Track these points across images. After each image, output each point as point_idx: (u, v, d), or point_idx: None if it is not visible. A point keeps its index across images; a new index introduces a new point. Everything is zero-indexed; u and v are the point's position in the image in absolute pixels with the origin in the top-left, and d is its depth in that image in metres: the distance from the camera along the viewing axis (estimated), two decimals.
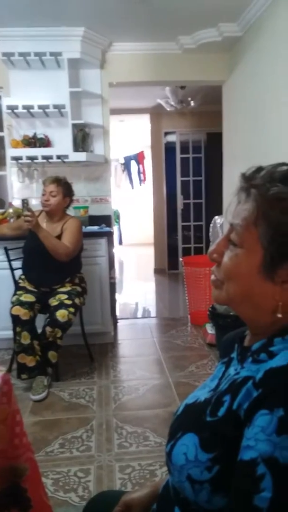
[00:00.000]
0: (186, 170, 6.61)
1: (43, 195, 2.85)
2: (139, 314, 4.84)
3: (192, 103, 5.19)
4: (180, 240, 6.74)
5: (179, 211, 6.69)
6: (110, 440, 2.10)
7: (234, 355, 0.73)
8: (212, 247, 0.71)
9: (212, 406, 0.65)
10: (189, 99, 5.16)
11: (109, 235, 3.60)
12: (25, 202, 2.67)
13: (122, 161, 9.87)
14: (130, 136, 8.45)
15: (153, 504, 0.79)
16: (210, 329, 3.35)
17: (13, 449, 1.10)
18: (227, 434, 0.59)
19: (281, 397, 0.53)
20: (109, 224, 3.86)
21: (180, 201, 6.67)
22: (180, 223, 6.71)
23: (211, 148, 6.29)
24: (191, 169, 6.60)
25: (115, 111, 4.92)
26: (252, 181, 0.66)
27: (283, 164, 0.67)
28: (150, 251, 7.28)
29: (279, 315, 0.63)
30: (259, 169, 0.68)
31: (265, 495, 0.50)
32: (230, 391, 0.63)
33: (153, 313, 4.78)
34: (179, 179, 6.64)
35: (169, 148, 6.63)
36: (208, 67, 3.84)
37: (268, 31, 2.92)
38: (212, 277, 0.72)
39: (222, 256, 0.69)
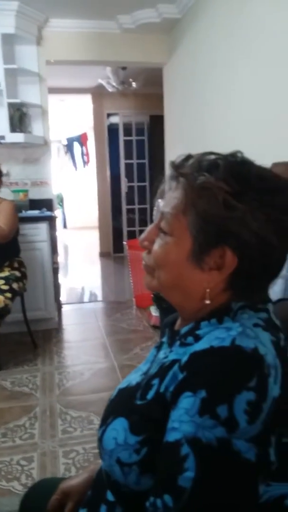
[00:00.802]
0: (130, 153, 6.57)
1: None
2: (85, 299, 4.81)
3: (134, 84, 5.14)
4: (125, 223, 6.74)
5: (123, 194, 6.67)
6: (54, 427, 2.10)
7: (164, 339, 0.74)
8: (143, 235, 0.72)
9: (142, 390, 0.66)
10: (131, 80, 5.11)
11: (51, 219, 3.52)
12: None
13: (65, 142, 9.63)
14: (72, 116, 8.24)
15: (89, 488, 0.79)
16: (154, 311, 3.41)
17: None
18: (155, 417, 0.60)
19: (204, 379, 0.55)
20: (50, 208, 3.77)
21: (124, 184, 6.64)
22: (124, 206, 6.69)
23: (154, 130, 6.29)
24: (134, 151, 6.57)
25: (54, 90, 4.77)
26: (180, 169, 0.66)
27: (211, 153, 0.68)
28: (95, 235, 7.23)
29: (207, 302, 0.65)
30: (188, 157, 0.68)
31: (188, 475, 0.52)
32: (159, 375, 0.64)
33: (99, 297, 4.78)
34: (122, 161, 6.59)
35: (112, 130, 6.56)
36: (148, 49, 3.80)
37: (206, 14, 2.94)
38: (143, 263, 0.72)
39: (153, 243, 0.69)
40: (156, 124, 6.03)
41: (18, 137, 3.49)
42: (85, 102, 6.67)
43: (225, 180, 0.61)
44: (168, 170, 0.69)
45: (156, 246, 0.68)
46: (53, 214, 3.66)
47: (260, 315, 0.64)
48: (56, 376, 2.65)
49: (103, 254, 6.86)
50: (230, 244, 0.61)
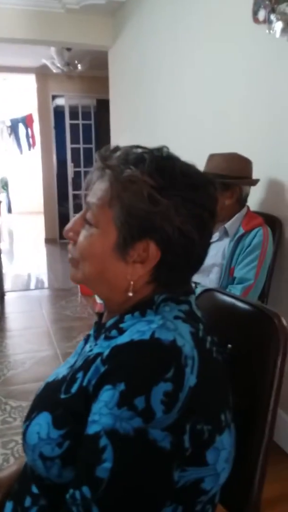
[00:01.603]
0: (76, 137, 6.44)
1: None
2: (32, 286, 4.71)
3: (79, 66, 5.01)
4: (71, 209, 6.63)
5: (69, 179, 6.54)
6: None
7: (91, 331, 0.75)
8: (68, 225, 0.71)
9: (66, 384, 0.66)
10: (76, 62, 4.98)
11: None
12: None
13: (9, 123, 9.25)
14: (16, 96, 7.93)
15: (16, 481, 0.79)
16: (99, 299, 3.40)
17: None
18: (77, 410, 0.61)
19: (123, 372, 0.56)
20: None
21: (70, 169, 6.51)
22: (71, 192, 6.58)
23: (101, 115, 6.19)
24: (81, 135, 6.44)
25: None
26: (107, 161, 0.66)
27: (138, 146, 0.68)
28: (41, 220, 7.06)
29: (131, 294, 0.66)
30: (116, 148, 0.68)
31: (106, 466, 0.53)
32: (83, 368, 0.65)
33: (45, 284, 4.70)
34: (69, 146, 6.45)
35: (59, 113, 6.38)
36: (93, 31, 3.72)
37: None
38: (69, 255, 0.72)
39: (78, 234, 0.69)
40: (103, 108, 5.94)
41: None
42: (29, 82, 6.43)
43: (151, 174, 0.62)
44: (95, 161, 0.69)
45: (81, 237, 0.68)
46: None
47: (182, 307, 0.66)
48: None
49: (48, 241, 6.72)
50: (154, 238, 0.63)
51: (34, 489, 0.67)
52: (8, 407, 2.15)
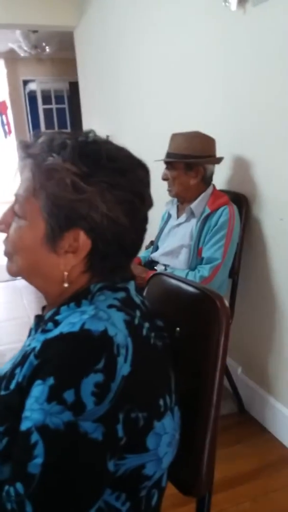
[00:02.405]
0: (51, 122, 6.33)
1: None
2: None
3: (47, 49, 4.88)
4: None
5: None
6: None
7: (32, 325, 0.74)
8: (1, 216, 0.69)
9: (6, 380, 0.65)
10: (44, 44, 4.85)
11: None
12: None
13: None
14: None
15: None
16: None
17: None
18: (15, 407, 0.60)
19: (52, 366, 0.55)
20: None
21: None
22: None
23: (75, 98, 6.07)
24: (55, 121, 6.33)
25: None
26: (29, 149, 0.64)
27: (63, 132, 0.66)
28: None
29: (66, 285, 0.65)
30: (39, 136, 0.66)
31: (37, 461, 0.53)
32: (20, 363, 0.64)
33: None
34: (43, 131, 6.34)
35: (32, 98, 6.26)
36: (57, 11, 3.61)
37: None
38: (4, 248, 0.70)
39: (9, 227, 0.68)
40: (76, 91, 5.82)
41: None
42: (0, 68, 6.27)
43: (73, 161, 0.60)
44: (17, 150, 0.67)
45: (11, 231, 0.67)
46: None
47: (118, 295, 0.65)
48: None
49: None
50: (82, 227, 0.61)
51: None
52: None
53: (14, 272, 0.69)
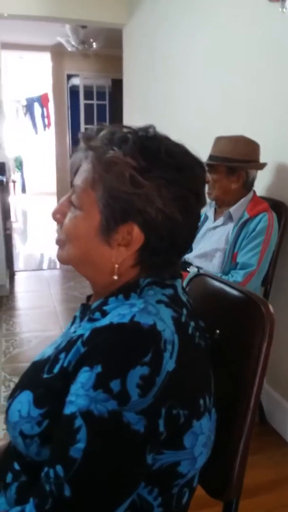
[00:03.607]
0: (91, 117, 6.40)
1: None
2: (44, 266, 4.75)
3: (94, 45, 4.93)
4: None
5: None
6: None
7: (77, 313, 0.75)
8: (55, 207, 0.71)
9: (50, 364, 0.67)
10: (91, 40, 4.90)
11: (3, 184, 3.41)
12: None
13: (24, 102, 9.21)
14: (32, 75, 7.87)
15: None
16: None
17: None
18: (57, 390, 0.61)
19: (100, 354, 0.56)
20: (2, 173, 3.64)
21: None
22: None
23: (116, 95, 6.11)
24: (95, 116, 6.40)
25: (10, 46, 4.52)
26: (91, 142, 0.65)
27: (123, 126, 0.67)
28: (54, 201, 7.07)
29: (115, 277, 0.66)
30: (100, 129, 0.67)
31: (79, 446, 0.54)
32: (66, 349, 0.65)
33: (56, 265, 4.73)
34: (83, 126, 6.41)
35: (74, 93, 6.34)
36: (108, 8, 3.65)
37: None
38: (56, 236, 0.72)
39: (65, 216, 0.69)
40: (118, 88, 5.86)
41: None
42: (45, 61, 6.37)
43: (133, 155, 0.61)
44: (80, 142, 0.68)
45: (66, 220, 0.68)
46: (4, 179, 3.55)
47: (166, 292, 0.65)
48: (3, 343, 2.64)
49: None
50: (137, 221, 0.62)
51: (16, 466, 0.69)
52: (12, 384, 2.19)
53: (64, 259, 0.70)
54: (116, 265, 0.66)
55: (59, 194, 6.75)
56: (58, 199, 6.35)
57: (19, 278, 4.00)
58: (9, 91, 4.04)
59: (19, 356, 2.48)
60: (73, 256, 0.68)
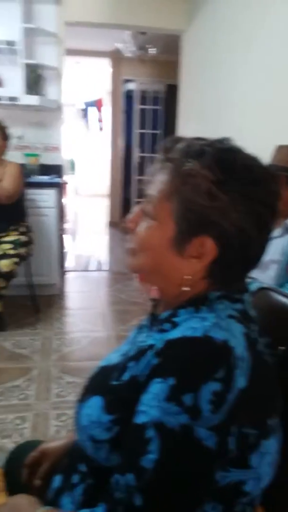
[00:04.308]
0: (144, 122, 6.46)
1: None
2: (90, 267, 4.86)
3: (152, 50, 4.98)
4: (134, 194, 6.70)
5: (134, 164, 6.60)
6: (48, 390, 2.18)
7: (145, 322, 0.77)
8: (129, 216, 0.73)
9: (118, 371, 0.68)
10: (150, 46, 4.95)
11: (60, 186, 3.52)
12: None
13: (82, 106, 9.46)
14: (89, 80, 8.07)
15: (65, 455, 0.84)
16: None
17: None
18: (127, 398, 0.63)
19: (174, 367, 0.57)
20: (60, 175, 3.76)
21: (136, 153, 6.56)
22: (135, 177, 6.64)
23: (171, 100, 6.14)
24: (149, 121, 6.45)
25: (71, 52, 4.64)
26: (169, 153, 0.66)
27: (200, 138, 0.68)
28: (105, 203, 7.21)
29: (186, 289, 0.67)
30: (178, 140, 0.68)
31: (151, 457, 0.55)
32: (135, 358, 0.66)
33: (104, 266, 4.82)
34: (136, 130, 6.49)
35: (129, 97, 6.43)
36: (168, 14, 3.68)
37: None
38: (128, 244, 0.73)
39: (138, 225, 0.70)
40: (173, 94, 5.88)
41: (33, 100, 3.46)
42: (102, 66, 6.51)
43: (210, 168, 0.61)
44: (157, 153, 0.69)
45: (140, 229, 0.69)
46: (62, 181, 3.65)
47: (236, 306, 0.65)
48: (54, 341, 2.72)
49: (111, 224, 6.86)
50: (211, 234, 0.62)
51: (83, 468, 0.71)
52: (63, 381, 2.26)
53: (135, 268, 0.72)
54: (187, 277, 0.66)
55: (111, 196, 6.87)
56: (110, 201, 6.51)
57: (70, 277, 4.10)
58: (66, 95, 4.16)
59: (70, 355, 2.55)
60: (144, 265, 0.70)
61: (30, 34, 3.45)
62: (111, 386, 0.67)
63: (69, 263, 4.50)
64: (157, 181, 0.67)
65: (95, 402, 0.67)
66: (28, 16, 3.39)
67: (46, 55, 3.58)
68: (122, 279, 4.08)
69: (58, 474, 0.79)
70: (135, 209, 0.73)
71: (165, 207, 0.65)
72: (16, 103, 3.43)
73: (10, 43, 3.30)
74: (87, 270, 4.63)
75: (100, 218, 7.30)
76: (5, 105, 3.48)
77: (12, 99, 3.40)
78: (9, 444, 1.76)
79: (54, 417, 1.96)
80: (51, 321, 3.03)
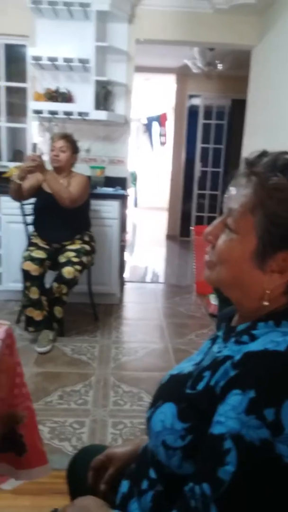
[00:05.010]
0: (207, 137, 6.47)
1: (52, 150, 2.87)
2: (147, 279, 4.90)
3: (219, 66, 5.00)
4: (194, 208, 6.70)
5: (196, 178, 6.62)
6: (106, 397, 2.21)
7: (220, 333, 0.76)
8: (208, 228, 0.73)
9: (193, 380, 0.69)
10: (217, 62, 4.98)
11: (123, 198, 3.60)
12: (35, 145, 2.73)
13: (145, 121, 9.67)
14: (154, 96, 8.23)
15: (131, 461, 0.85)
16: (213, 300, 3.40)
17: (12, 398, 1.18)
18: (202, 408, 0.63)
19: (254, 380, 0.56)
20: (124, 187, 3.85)
21: (198, 168, 6.57)
22: (196, 191, 6.65)
23: (235, 115, 6.12)
24: (212, 135, 6.46)
25: (139, 69, 4.77)
26: (253, 167, 0.66)
27: (285, 152, 0.67)
28: (164, 216, 7.27)
29: (266, 303, 0.66)
30: (263, 154, 0.68)
31: (229, 469, 0.54)
32: (211, 368, 0.66)
33: (160, 279, 4.84)
34: (199, 145, 6.51)
35: (192, 112, 6.48)
36: (239, 30, 3.68)
37: None
38: (206, 257, 0.74)
39: (217, 238, 0.71)
40: (238, 109, 5.85)
41: (101, 115, 3.58)
42: (169, 82, 6.63)
43: None
44: (241, 166, 0.70)
45: (220, 242, 0.69)
46: (126, 193, 3.74)
47: None
48: (112, 349, 2.76)
49: (169, 237, 6.89)
50: None
51: (152, 474, 0.71)
52: (120, 390, 2.28)
53: (213, 281, 0.72)
54: (268, 291, 0.66)
55: (170, 209, 6.92)
56: (170, 213, 6.53)
57: (127, 288, 4.16)
58: (132, 111, 4.30)
59: (127, 365, 2.57)
60: (223, 278, 0.70)
61: (102, 52, 3.59)
62: (185, 395, 0.68)
63: (127, 274, 4.57)
64: (239, 194, 0.67)
65: (168, 409, 0.68)
66: (101, 34, 3.53)
67: (116, 72, 3.70)
68: (180, 292, 4.08)
69: (125, 479, 0.80)
70: (214, 222, 0.73)
71: (248, 220, 0.65)
72: (85, 118, 3.57)
73: (82, 61, 3.45)
74: (144, 282, 4.67)
75: (158, 231, 7.36)
76: (76, 120, 3.63)
77: (82, 114, 3.54)
78: (68, 447, 1.80)
79: (111, 424, 1.98)
80: (110, 329, 3.08)
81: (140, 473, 0.75)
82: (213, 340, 0.78)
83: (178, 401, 0.68)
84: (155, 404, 0.72)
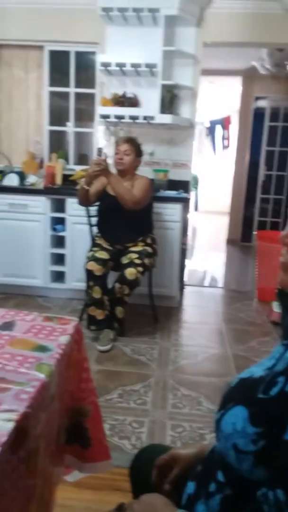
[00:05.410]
0: (273, 139, 6.30)
1: (117, 154, 2.93)
2: (207, 283, 4.85)
3: None
4: (257, 212, 6.54)
5: (259, 182, 6.46)
6: (165, 399, 2.21)
7: None
8: (285, 231, 0.72)
9: (265, 384, 0.67)
10: (286, 62, 4.84)
11: (186, 201, 3.60)
12: (100, 149, 2.81)
13: (208, 125, 9.59)
14: (218, 99, 8.16)
15: (196, 463, 0.84)
16: (276, 307, 3.30)
17: (79, 392, 1.22)
18: (276, 413, 0.62)
19: None
20: (186, 190, 3.85)
21: (262, 171, 6.41)
22: (259, 195, 6.48)
23: None
24: (278, 138, 6.27)
25: (205, 72, 4.74)
26: None
27: None
28: (225, 221, 7.16)
29: None
30: None
31: None
32: (285, 373, 0.65)
33: (220, 283, 4.78)
34: (264, 148, 6.35)
35: (257, 115, 6.33)
36: None
37: None
38: (282, 259, 0.72)
39: None
40: None
41: (166, 118, 3.60)
42: (234, 85, 6.53)
43: None
44: None
45: None
46: (188, 196, 3.73)
47: None
48: (171, 352, 2.76)
49: (230, 241, 6.78)
50: None
51: (220, 476, 0.71)
52: (179, 393, 2.28)
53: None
54: None
55: (232, 213, 6.80)
56: (231, 217, 6.42)
57: (187, 291, 4.15)
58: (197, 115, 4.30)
59: (186, 368, 2.57)
60: None
61: (169, 56, 3.61)
62: (257, 399, 0.67)
63: (186, 277, 4.56)
64: None
65: (239, 412, 0.67)
66: (168, 39, 3.56)
67: (183, 76, 3.71)
68: (241, 298, 4.00)
69: (191, 481, 0.80)
70: None
71: None
72: (151, 122, 3.61)
73: (150, 66, 3.50)
74: (204, 286, 4.63)
75: (218, 235, 7.26)
76: (141, 123, 3.69)
77: (147, 118, 3.59)
78: (128, 446, 1.83)
79: (170, 427, 1.98)
80: (169, 332, 3.09)
81: (207, 475, 0.75)
82: (286, 346, 0.76)
83: (249, 405, 0.67)
84: (224, 406, 0.72)
